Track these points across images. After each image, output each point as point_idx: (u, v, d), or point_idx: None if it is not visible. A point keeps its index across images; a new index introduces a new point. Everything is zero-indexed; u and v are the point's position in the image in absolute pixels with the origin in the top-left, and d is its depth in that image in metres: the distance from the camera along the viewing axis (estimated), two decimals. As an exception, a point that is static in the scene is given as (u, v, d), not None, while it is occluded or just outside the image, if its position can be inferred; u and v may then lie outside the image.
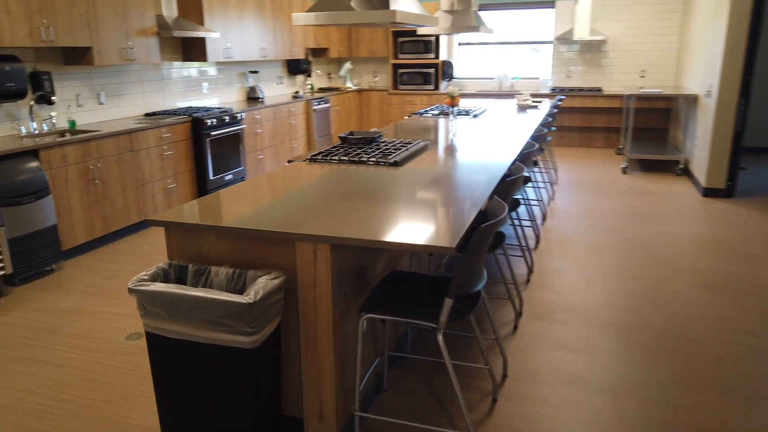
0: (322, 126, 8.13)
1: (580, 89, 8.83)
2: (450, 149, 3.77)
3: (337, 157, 3.38)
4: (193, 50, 6.15)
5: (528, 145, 3.78)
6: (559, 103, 6.60)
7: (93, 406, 2.62)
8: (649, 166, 7.62)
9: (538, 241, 4.73)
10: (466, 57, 9.74)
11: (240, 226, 2.16)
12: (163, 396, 2.19)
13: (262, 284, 2.01)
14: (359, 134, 3.92)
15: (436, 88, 9.28)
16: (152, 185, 5.14)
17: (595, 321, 3.39)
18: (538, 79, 9.33)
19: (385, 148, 3.63)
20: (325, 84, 9.63)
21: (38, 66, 4.63)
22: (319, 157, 3.40)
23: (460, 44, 9.74)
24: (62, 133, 4.68)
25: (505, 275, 4.00)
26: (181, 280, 2.25)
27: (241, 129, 6.20)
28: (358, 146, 3.72)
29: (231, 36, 6.46)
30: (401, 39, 9.27)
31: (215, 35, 5.97)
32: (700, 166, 6.32)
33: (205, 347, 2.04)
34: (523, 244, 4.50)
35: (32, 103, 4.53)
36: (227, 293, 1.97)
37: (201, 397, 2.12)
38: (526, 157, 3.44)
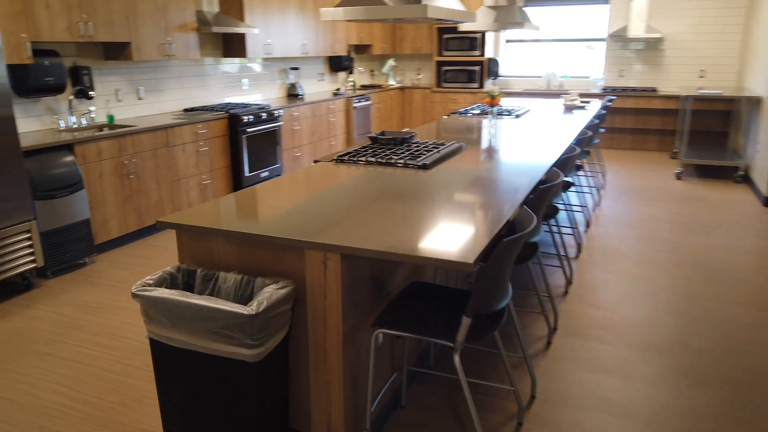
0: (362, 124, 8.02)
1: (634, 89, 8.42)
2: (485, 151, 3.57)
3: (364, 158, 3.24)
4: (233, 46, 6.14)
5: (569, 149, 3.55)
6: (609, 104, 6.28)
7: (105, 407, 2.57)
8: (706, 172, 7.17)
9: (579, 250, 4.48)
10: (514, 54, 9.44)
11: (248, 231, 2.05)
12: (167, 403, 2.11)
13: (267, 294, 1.90)
14: (391, 134, 3.77)
15: (481, 86, 9.03)
16: (187, 181, 5.14)
17: (638, 341, 3.14)
18: (588, 78, 8.95)
19: (416, 149, 3.47)
20: (367, 81, 9.51)
21: (79, 61, 4.68)
22: (346, 157, 3.28)
23: (507, 41, 9.45)
24: (100, 128, 4.72)
25: (538, 287, 3.78)
26: (189, 285, 2.17)
27: (279, 126, 6.14)
28: (388, 147, 3.58)
29: (272, 32, 6.42)
30: (446, 36, 9.06)
31: (255, 31, 5.93)
32: (762, 174, 5.89)
33: (207, 357, 1.94)
34: (562, 253, 4.26)
35: (71, 97, 4.58)
36: (229, 303, 1.86)
37: (204, 407, 2.03)
38: (565, 162, 3.22)
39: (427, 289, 2.33)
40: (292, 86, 7.25)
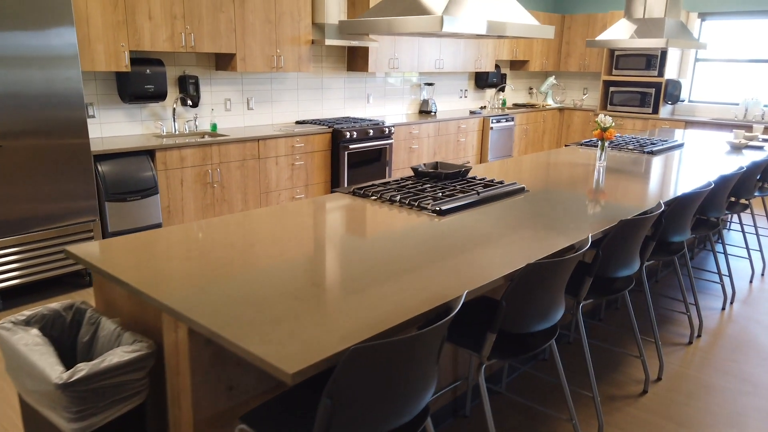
0: (500, 146, 7.34)
1: None
2: (543, 200, 2.84)
3: (381, 194, 2.76)
4: (357, 60, 5.97)
5: (649, 211, 2.65)
6: (802, 144, 4.80)
7: None
8: None
9: (696, 334, 3.41)
10: (706, 76, 7.90)
11: (120, 277, 1.75)
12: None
13: (98, 360, 1.58)
14: (445, 167, 3.22)
15: (655, 111, 7.72)
16: (278, 194, 5.08)
17: (711, 492, 2.19)
18: (803, 108, 7.12)
19: (456, 187, 2.88)
20: (522, 100, 8.74)
21: (188, 70, 4.87)
22: (363, 191, 2.83)
23: (697, 60, 7.95)
24: (202, 135, 4.86)
25: (565, 381, 2.90)
26: (79, 324, 1.94)
27: (388, 144, 5.82)
28: (428, 181, 3.03)
29: (401, 46, 6.13)
30: (618, 52, 7.92)
31: (375, 44, 5.69)
32: None
33: (39, 417, 1.69)
34: (646, 337, 3.26)
35: (174, 105, 4.78)
36: (52, 362, 1.58)
37: (50, 471, 1.78)
38: (634, 226, 2.38)
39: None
40: (425, 102, 6.89)
